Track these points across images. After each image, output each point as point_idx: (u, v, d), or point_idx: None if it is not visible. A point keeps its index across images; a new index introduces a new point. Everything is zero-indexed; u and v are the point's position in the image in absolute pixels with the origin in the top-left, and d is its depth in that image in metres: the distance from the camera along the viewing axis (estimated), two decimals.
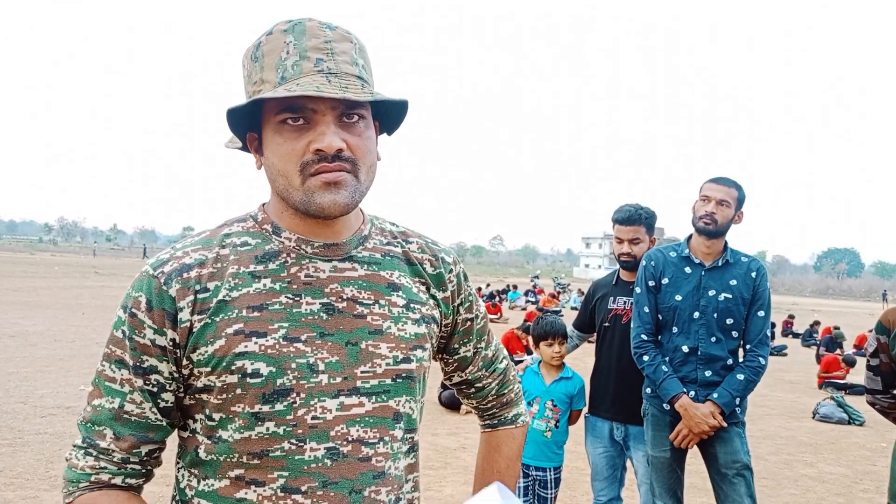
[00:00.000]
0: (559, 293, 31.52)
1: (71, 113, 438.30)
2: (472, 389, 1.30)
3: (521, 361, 10.20)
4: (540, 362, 3.30)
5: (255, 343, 0.94)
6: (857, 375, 10.39)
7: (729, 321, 2.78)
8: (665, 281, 2.86)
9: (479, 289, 31.34)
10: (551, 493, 3.23)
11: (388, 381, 1.02)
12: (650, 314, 2.89)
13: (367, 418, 1.00)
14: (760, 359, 2.79)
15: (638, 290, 2.93)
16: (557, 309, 20.38)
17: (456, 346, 1.21)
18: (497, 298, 23.11)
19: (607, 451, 3.14)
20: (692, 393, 2.76)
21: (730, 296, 2.78)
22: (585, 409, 3.27)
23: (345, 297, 1.01)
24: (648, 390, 2.89)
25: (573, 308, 23.27)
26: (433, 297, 1.13)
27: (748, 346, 2.83)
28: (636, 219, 3.11)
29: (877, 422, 7.18)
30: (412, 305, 1.07)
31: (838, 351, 11.47)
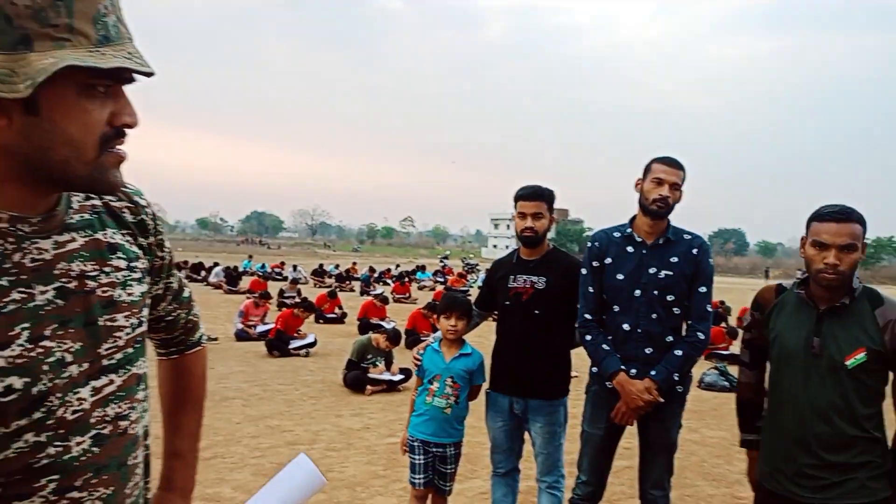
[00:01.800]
0: (467, 273, 32.01)
1: None
2: (163, 324, 1.29)
3: (423, 340, 10.28)
4: (441, 341, 3.34)
5: None
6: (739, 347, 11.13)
7: (670, 298, 2.80)
8: (608, 261, 2.89)
9: (388, 270, 31.43)
10: (451, 468, 3.29)
11: (130, 349, 1.01)
12: (594, 294, 2.92)
13: (119, 394, 0.98)
14: (699, 334, 2.82)
15: (584, 270, 2.97)
16: (465, 289, 20.69)
17: (153, 287, 1.19)
18: (406, 279, 23.17)
19: (506, 424, 3.22)
20: (633, 371, 2.77)
21: (671, 273, 2.80)
22: (486, 385, 3.35)
23: (73, 274, 0.93)
24: (594, 369, 2.93)
25: (479, 287, 23.62)
26: (140, 246, 1.09)
27: (689, 322, 2.87)
28: (539, 194, 3.15)
29: None
30: (131, 264, 1.04)
31: (723, 324, 12.25)
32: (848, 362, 2.12)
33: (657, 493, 2.90)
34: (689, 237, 2.89)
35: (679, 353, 2.78)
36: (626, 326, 2.82)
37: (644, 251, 2.85)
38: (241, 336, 10.62)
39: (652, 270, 2.81)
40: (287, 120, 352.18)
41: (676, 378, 2.78)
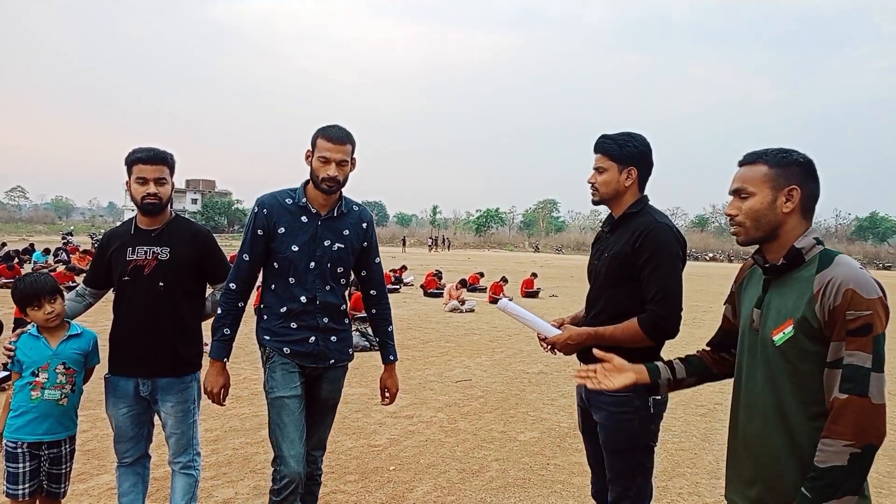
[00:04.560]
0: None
1: None
2: None
3: None
4: (38, 327, 2.86)
5: None
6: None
7: (340, 269, 2.88)
8: (282, 230, 2.80)
9: None
10: (66, 467, 2.91)
11: None
12: (248, 264, 2.84)
13: None
14: (386, 302, 3.11)
15: (246, 236, 2.86)
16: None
17: None
18: (16, 260, 19.52)
19: (132, 409, 2.97)
20: (312, 338, 2.83)
21: (342, 245, 2.85)
22: (103, 371, 3.01)
23: None
24: (267, 337, 2.86)
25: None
26: None
27: (373, 292, 3.07)
28: (161, 158, 2.89)
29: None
30: None
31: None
32: (775, 337, 1.72)
33: (318, 453, 3.04)
34: (358, 209, 2.96)
35: (391, 328, 3.12)
36: (303, 298, 2.81)
37: (319, 223, 2.83)
38: None
39: (326, 243, 2.82)
40: None
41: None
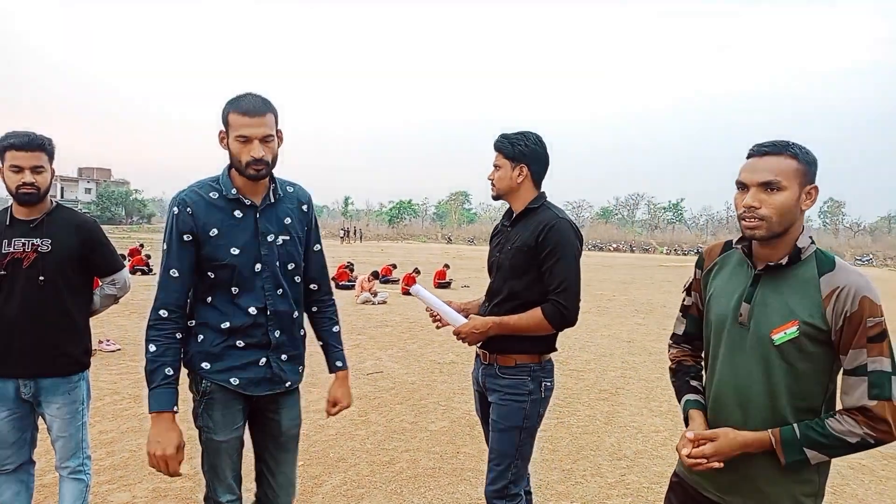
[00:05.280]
0: None
1: None
2: None
3: None
4: None
5: None
6: None
7: (291, 266, 2.40)
8: (214, 232, 2.26)
9: None
10: None
11: None
12: (180, 280, 2.26)
13: None
14: (330, 298, 2.65)
15: (170, 247, 2.27)
16: None
17: None
18: None
19: (14, 413, 2.76)
20: (263, 359, 2.33)
21: (287, 237, 2.38)
22: None
23: None
24: (205, 364, 2.30)
25: None
26: None
27: (314, 286, 2.58)
28: (39, 144, 2.68)
29: None
30: None
31: None
32: (775, 337, 1.72)
33: (287, 498, 2.58)
34: (293, 189, 2.47)
35: (336, 329, 2.64)
36: (252, 310, 2.30)
37: (257, 215, 2.33)
38: None
39: (270, 238, 2.34)
40: None
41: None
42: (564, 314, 2.52)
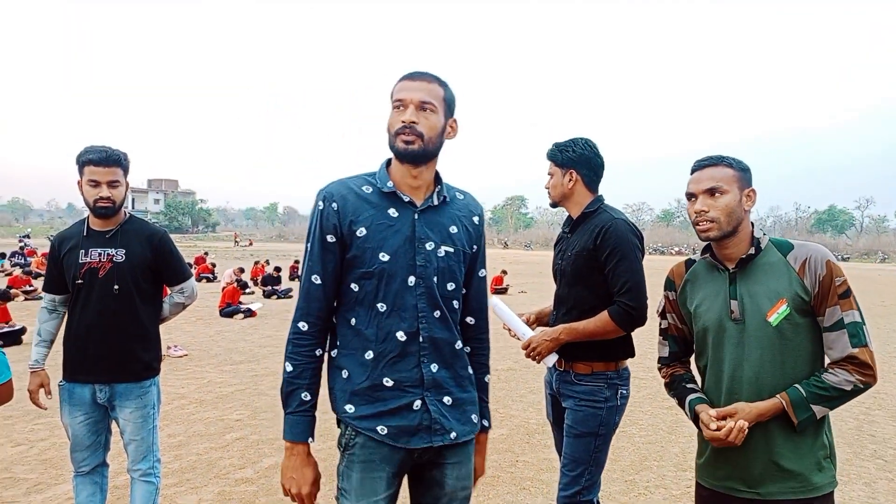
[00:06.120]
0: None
1: None
2: None
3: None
4: None
5: None
6: None
7: (451, 287, 1.92)
8: (362, 232, 1.84)
9: None
10: None
11: None
12: (323, 288, 1.86)
13: None
14: (487, 338, 2.09)
15: (313, 248, 1.88)
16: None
17: None
18: None
19: (90, 416, 2.87)
20: (418, 402, 1.83)
21: (451, 249, 1.92)
22: (59, 378, 2.91)
23: None
24: (350, 408, 1.85)
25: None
26: None
27: (470, 320, 2.04)
28: (115, 160, 2.80)
29: None
30: None
31: None
32: (771, 318, 1.89)
33: None
34: (463, 197, 2.03)
35: (489, 378, 2.10)
36: (400, 335, 1.84)
37: (415, 216, 1.89)
38: None
39: (430, 246, 1.89)
40: None
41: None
42: (632, 314, 2.47)
